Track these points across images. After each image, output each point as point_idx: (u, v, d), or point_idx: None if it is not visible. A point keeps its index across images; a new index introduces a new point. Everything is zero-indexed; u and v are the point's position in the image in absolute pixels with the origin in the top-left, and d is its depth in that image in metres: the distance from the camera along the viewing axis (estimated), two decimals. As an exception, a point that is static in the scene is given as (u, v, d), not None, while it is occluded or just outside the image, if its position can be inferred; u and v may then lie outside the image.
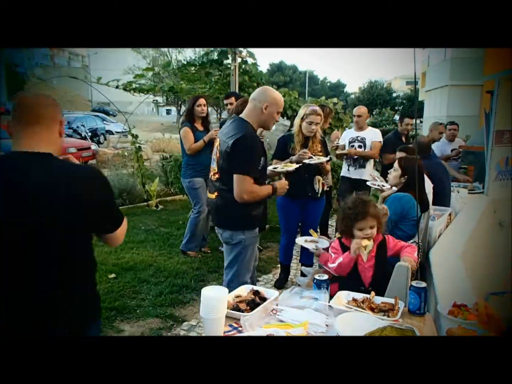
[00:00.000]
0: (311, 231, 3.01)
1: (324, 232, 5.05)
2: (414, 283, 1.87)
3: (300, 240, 2.98)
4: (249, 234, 2.55)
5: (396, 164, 3.14)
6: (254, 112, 2.51)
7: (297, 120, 3.61)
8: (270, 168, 3.20)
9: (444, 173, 4.15)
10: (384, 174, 3.52)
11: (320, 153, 3.60)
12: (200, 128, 4.32)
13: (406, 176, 3.01)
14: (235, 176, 2.39)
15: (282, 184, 2.70)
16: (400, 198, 2.94)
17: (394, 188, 3.12)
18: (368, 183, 3.92)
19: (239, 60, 5.47)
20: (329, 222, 5.95)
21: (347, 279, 2.32)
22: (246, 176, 2.38)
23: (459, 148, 5.76)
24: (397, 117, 18.38)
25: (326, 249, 2.64)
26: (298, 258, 4.32)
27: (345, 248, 2.39)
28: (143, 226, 5.81)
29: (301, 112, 3.58)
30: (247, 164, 2.40)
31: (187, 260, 4.49)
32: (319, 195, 3.67)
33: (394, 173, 3.10)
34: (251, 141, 2.42)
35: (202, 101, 4.29)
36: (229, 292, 1.77)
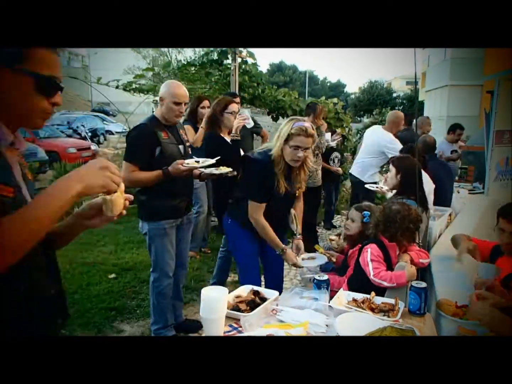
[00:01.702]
0: (317, 246, 2.91)
1: (312, 232, 4.94)
2: (414, 283, 1.87)
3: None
4: (153, 226, 2.80)
5: (390, 165, 3.16)
6: (160, 107, 2.70)
7: (279, 141, 2.43)
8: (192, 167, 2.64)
9: (446, 174, 4.15)
10: None
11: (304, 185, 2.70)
12: None
13: (400, 174, 3.01)
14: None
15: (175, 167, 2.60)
16: None
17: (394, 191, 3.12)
18: (366, 185, 3.92)
19: (239, 60, 5.47)
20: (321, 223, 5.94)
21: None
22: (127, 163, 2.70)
23: (458, 149, 5.77)
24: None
25: (326, 266, 2.59)
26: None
27: (385, 251, 2.30)
28: (143, 226, 5.81)
29: (285, 129, 2.41)
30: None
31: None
32: (298, 235, 2.75)
33: (390, 173, 3.11)
34: (136, 132, 2.68)
35: (206, 103, 4.17)
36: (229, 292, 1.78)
